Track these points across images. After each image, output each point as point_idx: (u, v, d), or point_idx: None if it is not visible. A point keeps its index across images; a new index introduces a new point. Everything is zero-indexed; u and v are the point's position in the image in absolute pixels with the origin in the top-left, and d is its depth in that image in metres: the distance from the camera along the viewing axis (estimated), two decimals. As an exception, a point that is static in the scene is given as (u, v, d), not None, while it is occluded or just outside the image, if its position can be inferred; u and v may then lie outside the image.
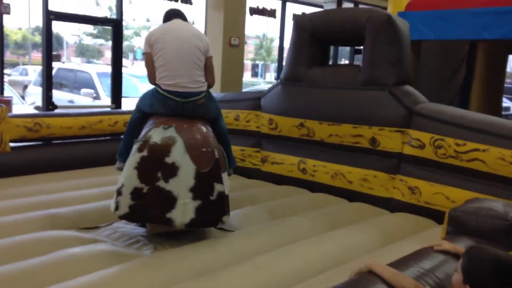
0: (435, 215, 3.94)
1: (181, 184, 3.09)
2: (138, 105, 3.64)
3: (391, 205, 4.28)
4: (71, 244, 3.09)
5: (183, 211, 3.09)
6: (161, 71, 3.35)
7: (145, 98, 3.57)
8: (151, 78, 3.44)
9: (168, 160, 3.08)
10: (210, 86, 3.58)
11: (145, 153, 3.08)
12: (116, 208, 3.14)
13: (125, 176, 3.14)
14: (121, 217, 3.20)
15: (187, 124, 3.30)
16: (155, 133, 3.15)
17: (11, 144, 4.83)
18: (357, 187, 4.50)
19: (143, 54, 3.46)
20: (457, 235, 2.95)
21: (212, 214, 3.20)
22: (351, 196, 4.52)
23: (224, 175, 3.29)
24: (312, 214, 3.91)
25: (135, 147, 3.16)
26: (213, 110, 3.62)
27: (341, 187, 4.59)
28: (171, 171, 3.07)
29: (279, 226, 3.60)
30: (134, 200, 3.09)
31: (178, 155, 3.09)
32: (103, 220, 3.64)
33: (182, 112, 3.39)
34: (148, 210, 3.11)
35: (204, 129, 3.38)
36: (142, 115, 3.54)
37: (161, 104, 3.38)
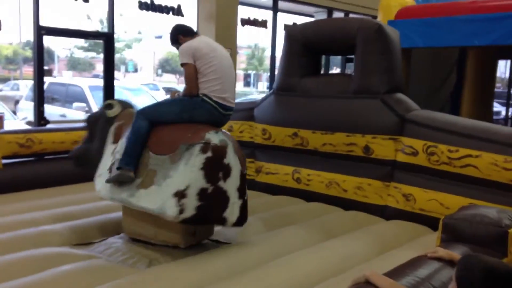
0: (430, 222, 3.94)
1: (233, 184, 3.30)
2: (152, 114, 3.56)
3: (386, 212, 4.29)
4: (65, 261, 3.05)
5: (232, 211, 3.29)
6: (214, 84, 3.51)
7: (174, 107, 3.57)
8: (195, 90, 3.51)
9: (226, 161, 3.28)
10: None
11: (209, 154, 3.19)
12: (181, 211, 3.07)
13: (188, 178, 3.13)
14: (185, 221, 3.14)
15: (221, 130, 3.49)
16: (211, 136, 3.26)
17: (3, 161, 4.79)
18: (352, 196, 4.50)
19: (184, 64, 3.53)
20: (451, 242, 2.96)
21: (246, 213, 3.41)
22: (346, 204, 4.51)
23: None
24: (308, 224, 3.91)
25: (195, 149, 3.19)
26: None
27: (336, 195, 4.60)
28: (228, 171, 3.28)
29: (275, 237, 3.59)
30: (201, 200, 3.13)
31: (231, 157, 3.31)
32: (97, 236, 3.61)
33: (220, 122, 3.61)
34: (211, 210, 3.22)
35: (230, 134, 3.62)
36: (150, 123, 3.53)
37: (207, 113, 3.50)
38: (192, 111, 3.48)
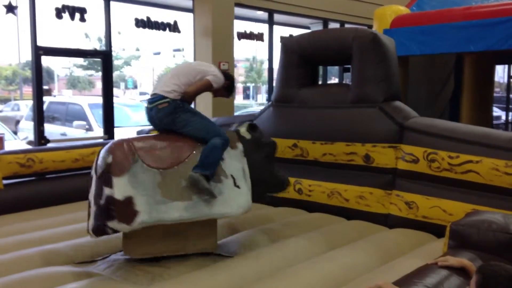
0: (434, 229, 3.93)
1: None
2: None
3: (389, 221, 4.27)
4: (67, 280, 3.04)
5: None
6: None
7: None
8: None
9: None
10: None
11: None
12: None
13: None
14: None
15: None
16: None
17: (4, 181, 4.79)
18: (354, 205, 4.48)
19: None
20: (459, 249, 2.93)
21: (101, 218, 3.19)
22: (349, 214, 4.50)
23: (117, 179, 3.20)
24: (310, 235, 3.89)
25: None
26: None
27: (338, 205, 4.58)
28: None
29: (278, 249, 3.57)
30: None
31: None
32: (99, 254, 3.59)
33: (151, 118, 3.71)
34: None
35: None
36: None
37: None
38: None
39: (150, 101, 3.60)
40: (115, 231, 3.21)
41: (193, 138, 3.53)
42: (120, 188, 3.14)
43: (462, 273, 2.45)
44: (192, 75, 3.65)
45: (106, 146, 3.37)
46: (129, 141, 3.37)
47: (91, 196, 3.30)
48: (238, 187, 3.49)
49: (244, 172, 3.58)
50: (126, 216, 3.11)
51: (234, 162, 3.57)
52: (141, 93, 25.49)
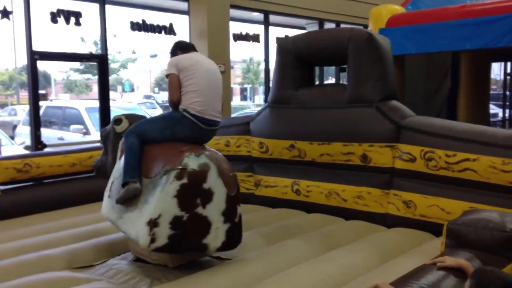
0: (432, 228, 3.93)
1: (216, 209, 3.20)
2: (138, 131, 3.54)
3: (387, 220, 4.27)
4: (66, 285, 3.04)
5: (215, 236, 3.20)
6: (193, 96, 3.46)
7: (157, 124, 3.58)
8: (175, 97, 3.49)
9: (206, 186, 3.17)
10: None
11: (185, 180, 3.10)
12: (152, 240, 3.04)
13: (161, 205, 3.08)
14: (158, 249, 3.12)
15: (209, 151, 3.38)
16: (190, 160, 3.17)
17: (1, 187, 4.78)
18: (352, 205, 4.48)
19: (168, 75, 3.55)
20: (456, 248, 2.94)
21: (237, 235, 3.34)
22: (347, 214, 4.50)
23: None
24: (309, 236, 3.89)
25: (171, 175, 3.11)
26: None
27: (336, 205, 4.58)
28: (208, 196, 3.18)
29: (277, 251, 3.56)
30: (174, 229, 3.07)
31: (212, 181, 3.19)
32: (97, 258, 3.58)
33: (202, 138, 3.56)
34: (187, 238, 3.14)
35: (220, 154, 3.49)
36: (140, 140, 3.51)
37: (187, 129, 3.46)
38: (173, 128, 3.45)
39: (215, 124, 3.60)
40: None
41: None
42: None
43: (459, 274, 2.44)
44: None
45: (226, 165, 3.34)
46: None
47: (215, 212, 3.20)
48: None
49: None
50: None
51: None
52: (146, 97, 25.47)
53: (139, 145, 3.45)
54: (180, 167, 3.11)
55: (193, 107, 3.43)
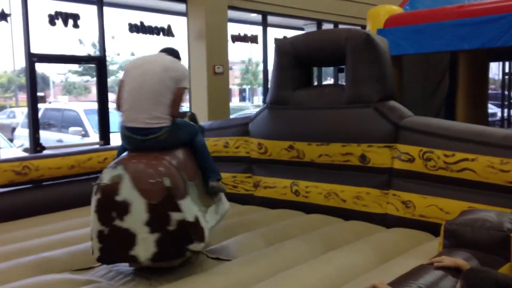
0: (431, 228, 3.93)
1: (136, 220, 3.05)
2: None
3: (387, 220, 4.27)
4: (66, 287, 3.04)
5: (145, 246, 3.05)
6: (125, 104, 3.32)
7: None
8: (117, 106, 3.42)
9: (119, 198, 3.04)
10: (173, 116, 3.39)
11: (98, 195, 3.09)
12: (92, 252, 3.21)
13: (91, 220, 3.18)
14: (98, 260, 3.22)
15: (139, 157, 3.23)
16: (105, 174, 3.13)
17: (0, 190, 4.77)
18: (351, 205, 4.49)
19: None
20: (454, 248, 2.94)
21: (174, 244, 3.13)
22: (346, 214, 4.50)
23: (185, 201, 3.14)
24: (308, 237, 3.89)
25: (93, 191, 3.15)
26: (183, 137, 3.55)
27: (336, 206, 4.58)
28: (124, 208, 3.04)
29: (276, 252, 3.56)
30: (101, 242, 3.12)
31: (126, 192, 3.04)
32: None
33: (146, 148, 3.32)
34: (113, 251, 3.13)
35: (158, 158, 3.24)
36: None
37: (125, 141, 3.40)
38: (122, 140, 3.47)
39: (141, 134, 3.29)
40: (194, 252, 3.26)
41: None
42: (189, 210, 3.14)
43: (457, 274, 2.45)
44: (169, 94, 3.31)
45: (146, 172, 3.11)
46: (162, 159, 3.24)
47: (137, 223, 3.06)
48: None
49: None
50: (200, 235, 3.18)
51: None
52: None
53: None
54: (98, 182, 3.12)
55: (123, 118, 3.33)
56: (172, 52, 3.62)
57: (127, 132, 3.31)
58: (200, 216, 3.22)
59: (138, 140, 3.29)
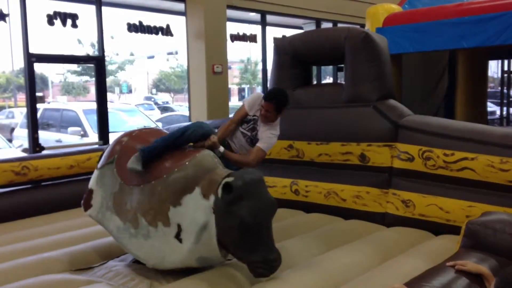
0: (431, 227, 3.94)
1: None
2: None
3: (386, 220, 4.27)
4: (65, 287, 3.02)
5: None
6: None
7: None
8: None
9: None
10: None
11: None
12: None
13: None
14: None
15: None
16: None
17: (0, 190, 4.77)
18: (351, 205, 4.48)
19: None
20: (471, 249, 2.92)
21: None
22: (346, 213, 4.49)
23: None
24: (308, 236, 3.88)
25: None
26: None
27: (335, 205, 4.58)
28: None
29: (276, 251, 3.55)
30: None
31: None
32: (97, 260, 3.57)
33: None
34: None
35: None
36: None
37: None
38: None
39: None
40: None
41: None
42: (93, 179, 3.59)
43: (476, 279, 2.42)
44: None
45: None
46: (131, 138, 3.53)
47: None
48: (179, 240, 2.99)
49: (202, 228, 2.93)
50: (86, 203, 3.61)
51: (194, 214, 2.95)
52: (146, 98, 25.48)
53: None
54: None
55: None
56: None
57: None
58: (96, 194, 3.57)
59: None
